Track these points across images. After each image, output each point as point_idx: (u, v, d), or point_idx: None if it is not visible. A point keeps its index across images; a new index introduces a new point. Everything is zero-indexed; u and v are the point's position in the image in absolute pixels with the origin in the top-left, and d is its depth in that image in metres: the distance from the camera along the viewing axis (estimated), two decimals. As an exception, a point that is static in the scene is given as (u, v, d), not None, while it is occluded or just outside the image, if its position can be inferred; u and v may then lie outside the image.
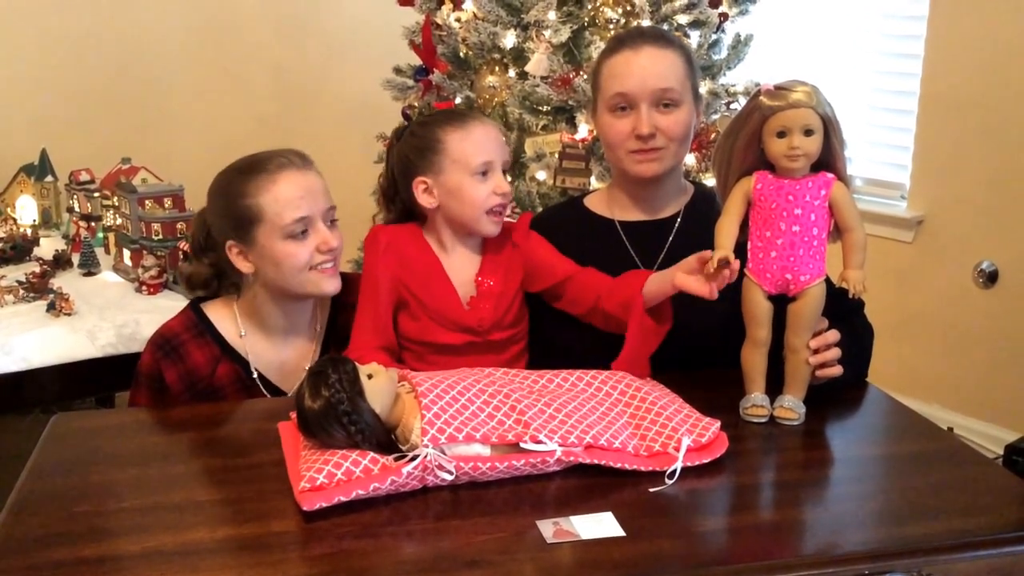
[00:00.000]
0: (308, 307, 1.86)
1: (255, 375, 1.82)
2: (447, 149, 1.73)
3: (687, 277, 1.56)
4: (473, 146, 1.73)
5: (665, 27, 2.96)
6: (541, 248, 1.82)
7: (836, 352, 1.58)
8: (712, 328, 1.70)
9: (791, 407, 1.55)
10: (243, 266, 1.78)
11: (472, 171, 1.72)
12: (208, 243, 1.84)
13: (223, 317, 1.84)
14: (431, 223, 1.80)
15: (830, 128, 1.51)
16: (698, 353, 1.74)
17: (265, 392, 1.82)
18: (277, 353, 1.84)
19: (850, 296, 1.52)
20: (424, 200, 1.76)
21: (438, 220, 1.78)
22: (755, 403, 1.56)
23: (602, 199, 1.95)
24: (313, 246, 1.74)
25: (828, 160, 1.53)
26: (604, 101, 1.81)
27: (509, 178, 2.85)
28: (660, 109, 1.78)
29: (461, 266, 1.79)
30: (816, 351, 1.56)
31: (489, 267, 1.79)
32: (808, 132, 1.50)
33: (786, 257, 1.53)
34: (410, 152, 1.77)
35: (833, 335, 1.58)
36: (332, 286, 1.79)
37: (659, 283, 1.64)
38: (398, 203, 1.84)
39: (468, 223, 1.76)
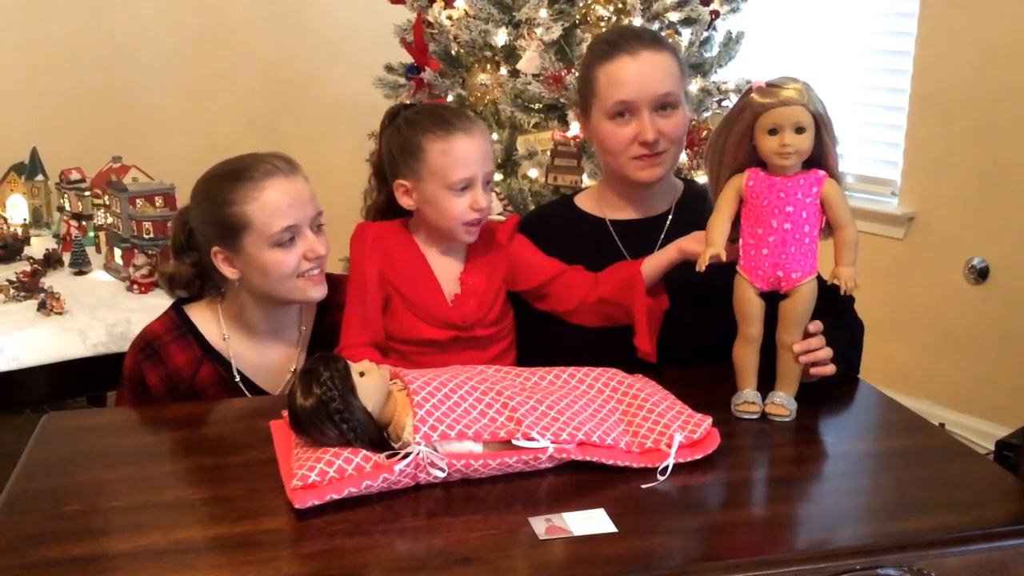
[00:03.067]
0: (293, 310, 1.85)
1: (237, 378, 1.80)
2: (428, 159, 1.69)
3: (690, 243, 1.63)
4: (454, 162, 1.68)
5: (656, 25, 2.96)
6: (526, 250, 1.82)
7: (827, 352, 1.58)
8: (706, 325, 1.71)
9: (782, 403, 1.56)
10: (229, 272, 1.76)
11: (450, 187, 1.69)
12: (190, 243, 1.81)
13: (206, 319, 1.83)
14: (415, 220, 1.79)
15: (821, 125, 1.51)
16: (692, 351, 1.74)
17: (248, 394, 1.80)
18: (261, 355, 1.83)
19: (841, 293, 1.52)
20: (403, 202, 1.75)
21: (419, 220, 1.78)
22: (746, 399, 1.56)
23: (592, 198, 1.95)
24: (300, 254, 1.73)
25: (820, 157, 1.53)
26: (604, 109, 1.78)
27: (500, 175, 2.88)
28: (660, 113, 1.77)
29: (446, 263, 1.78)
30: (802, 352, 1.56)
31: (473, 266, 1.79)
32: (799, 129, 1.49)
33: (777, 254, 1.53)
34: (395, 150, 1.74)
35: (817, 340, 1.57)
36: (319, 292, 1.78)
37: (655, 260, 1.70)
38: (388, 184, 1.81)
39: (444, 231, 1.75)
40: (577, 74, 1.91)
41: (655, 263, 1.70)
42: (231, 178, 1.73)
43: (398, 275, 1.75)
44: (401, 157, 1.73)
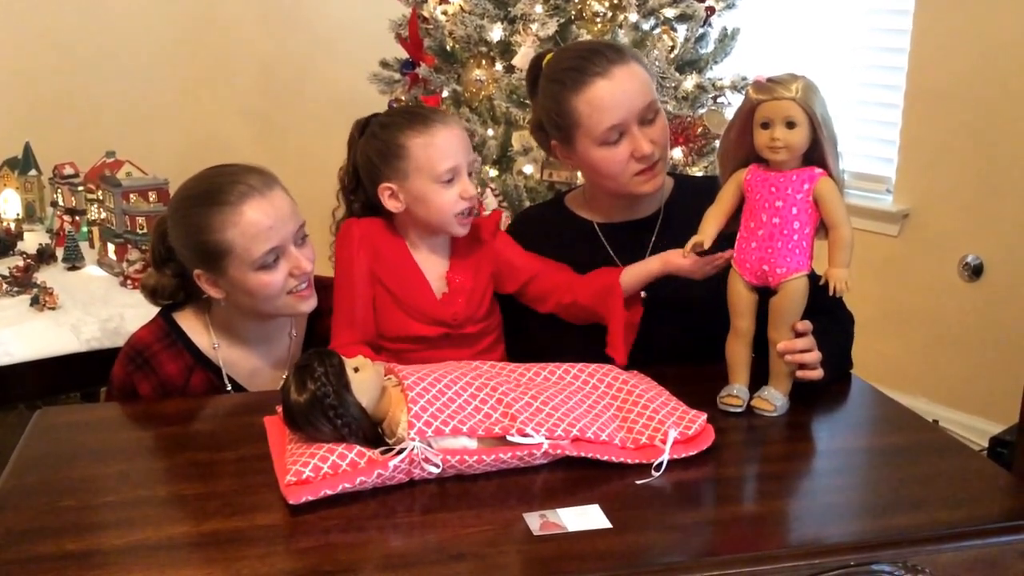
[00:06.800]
0: (283, 318, 1.81)
1: (229, 386, 1.78)
2: (411, 156, 1.69)
3: (677, 257, 1.64)
4: (437, 153, 1.69)
5: (651, 21, 2.96)
6: (507, 249, 1.82)
7: (815, 355, 1.57)
8: (688, 339, 1.71)
9: (767, 398, 1.55)
10: (214, 292, 1.72)
11: (437, 179, 1.69)
12: (169, 254, 1.77)
13: (195, 328, 1.79)
14: (399, 221, 1.77)
15: (816, 124, 1.50)
16: (691, 347, 1.74)
17: None
18: (252, 363, 1.81)
19: (829, 294, 1.51)
20: (391, 205, 1.73)
21: (406, 221, 1.76)
22: (731, 393, 1.56)
23: (581, 200, 1.93)
24: (286, 272, 1.69)
25: (816, 156, 1.53)
26: (593, 137, 1.75)
27: (495, 171, 2.88)
28: (647, 123, 1.76)
29: (432, 262, 1.78)
30: (786, 351, 1.55)
31: (459, 264, 1.78)
32: (790, 124, 1.49)
33: (764, 248, 1.53)
34: (374, 155, 1.73)
35: (804, 341, 1.56)
36: (308, 306, 1.75)
37: (637, 270, 1.71)
38: (359, 197, 1.80)
39: (436, 227, 1.74)
40: (542, 107, 1.82)
41: (636, 273, 1.71)
42: (206, 202, 1.68)
43: (387, 272, 1.75)
44: (382, 160, 1.72)
